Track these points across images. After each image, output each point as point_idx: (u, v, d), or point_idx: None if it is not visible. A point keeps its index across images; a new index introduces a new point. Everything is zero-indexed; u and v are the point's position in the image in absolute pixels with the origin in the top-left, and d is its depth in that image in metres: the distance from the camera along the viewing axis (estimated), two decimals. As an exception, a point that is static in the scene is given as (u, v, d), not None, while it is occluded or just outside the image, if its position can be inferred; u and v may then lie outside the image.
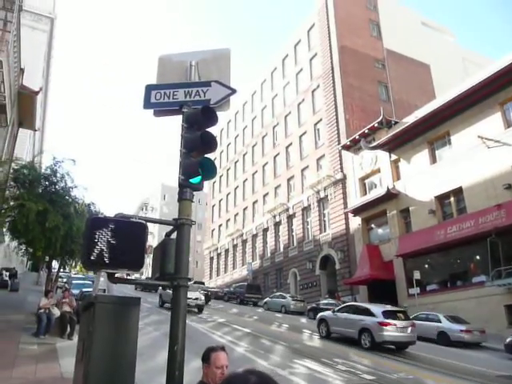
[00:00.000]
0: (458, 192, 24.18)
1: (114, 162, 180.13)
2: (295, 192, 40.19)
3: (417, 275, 23.33)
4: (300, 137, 40.84)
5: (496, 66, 22.63)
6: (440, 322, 18.03)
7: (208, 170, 4.08)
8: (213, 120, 4.24)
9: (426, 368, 11.71)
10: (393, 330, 13.37)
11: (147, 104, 4.55)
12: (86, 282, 24.33)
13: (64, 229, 15.86)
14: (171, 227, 4.14)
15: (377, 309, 14.56)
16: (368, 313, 14.35)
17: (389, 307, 15.30)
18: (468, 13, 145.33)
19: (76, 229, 16.34)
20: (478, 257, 22.53)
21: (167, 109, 4.52)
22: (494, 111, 22.71)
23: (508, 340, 15.44)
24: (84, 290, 19.07)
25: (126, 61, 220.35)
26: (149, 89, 4.61)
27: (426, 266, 25.59)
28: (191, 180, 4.05)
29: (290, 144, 42.32)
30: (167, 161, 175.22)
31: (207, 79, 4.59)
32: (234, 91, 4.54)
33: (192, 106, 4.35)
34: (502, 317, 20.18)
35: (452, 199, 24.76)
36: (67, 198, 17.51)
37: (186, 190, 4.05)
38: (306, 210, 38.39)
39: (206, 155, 4.17)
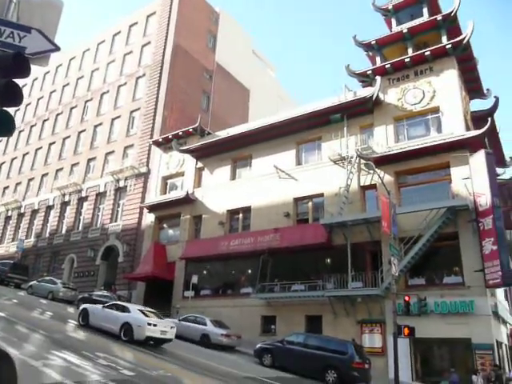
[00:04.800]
0: (246, 210, 26.58)
1: None
2: (93, 175, 37.79)
3: (194, 279, 24.49)
4: (113, 120, 38.79)
5: (298, 110, 26.10)
6: (205, 325, 19.27)
7: (3, 126, 3.49)
8: (24, 71, 3.68)
9: (184, 367, 12.30)
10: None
11: None
12: None
13: None
14: None
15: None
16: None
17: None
18: (292, 54, 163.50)
19: None
20: (250, 271, 25.06)
21: (-34, 40, 3.73)
22: (290, 147, 25.95)
23: (257, 346, 17.51)
24: None
25: None
26: None
27: (205, 272, 27.16)
28: (-21, 131, 3.41)
29: (100, 124, 39.78)
30: None
31: (27, 24, 3.98)
32: (57, 48, 4.05)
33: (1, 48, 3.70)
34: (258, 326, 22.85)
35: (241, 215, 27.05)
36: None
37: (-31, 142, 3.38)
38: (100, 195, 36.40)
39: (5, 108, 3.58)
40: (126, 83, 39.41)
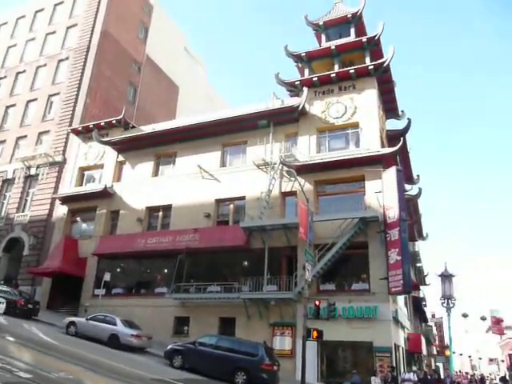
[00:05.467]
0: (167, 208, 26.08)
1: None
2: (1, 159, 34.79)
3: (107, 277, 23.48)
4: (28, 102, 36.04)
5: (226, 112, 26.31)
6: (115, 325, 18.50)
7: None
8: None
9: (88, 369, 11.68)
10: None
11: None
12: None
13: None
14: None
15: None
16: None
17: None
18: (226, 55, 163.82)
19: None
20: (166, 270, 24.57)
21: None
22: (216, 149, 25.94)
23: (168, 348, 17.19)
24: None
25: None
26: None
27: (119, 269, 26.19)
28: None
29: (13, 105, 36.75)
30: None
31: None
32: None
33: None
34: (170, 326, 22.46)
35: (160, 213, 26.46)
36: None
37: None
38: (7, 182, 33.61)
39: None
40: (45, 65, 36.84)
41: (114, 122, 29.71)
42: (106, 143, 29.00)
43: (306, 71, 25.74)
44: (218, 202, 24.85)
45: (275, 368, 15.65)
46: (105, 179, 28.70)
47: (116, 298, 24.74)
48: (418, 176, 27.41)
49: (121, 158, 29.23)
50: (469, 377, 43.56)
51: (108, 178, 28.69)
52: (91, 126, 30.04)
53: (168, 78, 43.05)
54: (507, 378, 43.02)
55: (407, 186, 24.69)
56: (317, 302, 16.69)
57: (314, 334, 15.89)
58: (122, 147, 28.92)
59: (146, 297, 24.27)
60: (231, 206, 24.66)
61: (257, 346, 16.10)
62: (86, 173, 30.63)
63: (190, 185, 25.47)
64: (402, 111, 26.65)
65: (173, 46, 44.75)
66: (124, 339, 17.97)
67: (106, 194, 27.63)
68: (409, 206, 22.68)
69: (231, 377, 15.18)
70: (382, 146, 22.63)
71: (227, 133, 25.52)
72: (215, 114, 26.89)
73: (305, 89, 23.64)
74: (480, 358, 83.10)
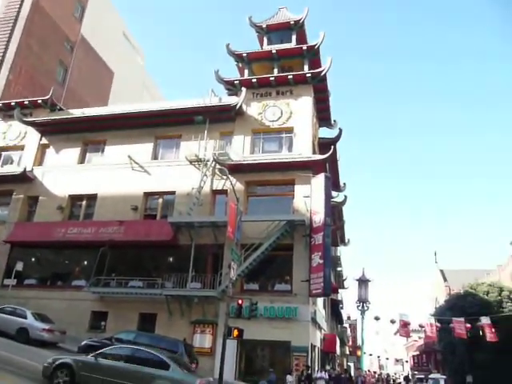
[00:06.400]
0: (92, 198, 24.95)
1: None
2: None
3: (19, 266, 22.04)
4: None
5: (162, 104, 25.82)
6: (25, 319, 17.35)
7: None
8: None
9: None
10: None
11: None
12: None
13: None
14: None
15: None
16: None
17: None
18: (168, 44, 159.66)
19: None
20: (86, 262, 23.51)
21: None
22: (148, 140, 25.27)
23: (82, 343, 16.46)
24: None
25: None
26: None
27: (34, 259, 24.66)
28: None
29: None
30: None
31: None
32: None
33: None
34: (87, 321, 21.49)
35: (84, 202, 25.26)
36: None
37: None
38: None
39: None
40: (-36, 31, 33.66)
41: (39, 101, 27.88)
42: (28, 123, 27.13)
43: (246, 72, 25.90)
44: (147, 195, 24.24)
45: (194, 366, 15.57)
46: (24, 162, 26.83)
47: (29, 289, 23.17)
48: (344, 184, 28.65)
49: (44, 141, 27.47)
50: (376, 376, 46.26)
51: (28, 161, 26.85)
52: (13, 104, 27.98)
53: (103, 62, 41.24)
54: (410, 377, 46.43)
55: (334, 193, 25.68)
56: (239, 301, 16.84)
57: (235, 332, 16.01)
58: (47, 129, 27.21)
59: (63, 289, 23.02)
60: (160, 200, 24.16)
61: (176, 343, 15.95)
62: (4, 153, 28.42)
63: (119, 175, 24.58)
64: (335, 121, 27.72)
65: (110, 30, 43.00)
66: (34, 333, 16.94)
67: (24, 178, 25.81)
68: (334, 212, 23.63)
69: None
70: (314, 152, 23.39)
71: (161, 125, 24.94)
72: (150, 104, 26.36)
73: (243, 89, 23.78)
74: (387, 359, 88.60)
